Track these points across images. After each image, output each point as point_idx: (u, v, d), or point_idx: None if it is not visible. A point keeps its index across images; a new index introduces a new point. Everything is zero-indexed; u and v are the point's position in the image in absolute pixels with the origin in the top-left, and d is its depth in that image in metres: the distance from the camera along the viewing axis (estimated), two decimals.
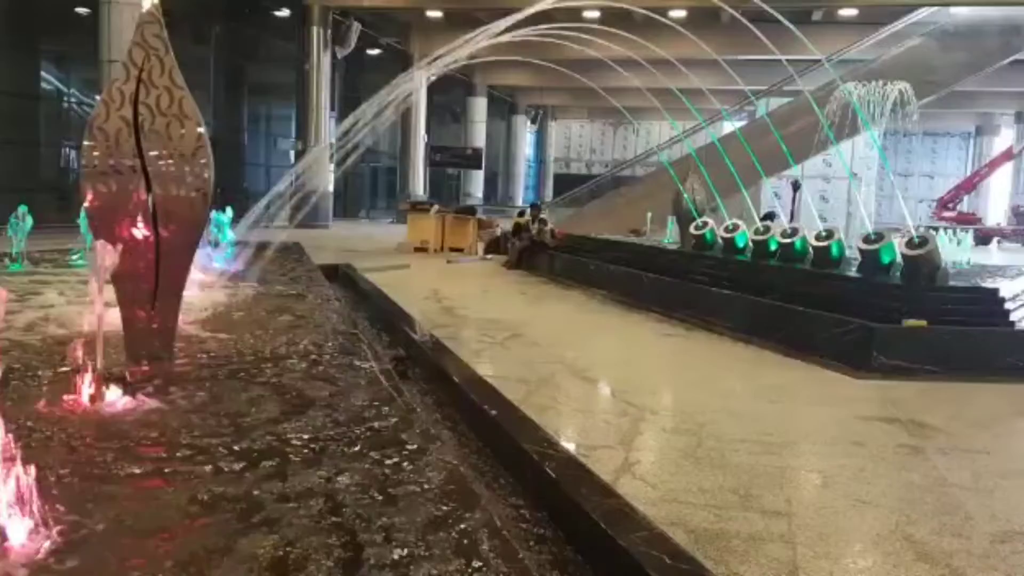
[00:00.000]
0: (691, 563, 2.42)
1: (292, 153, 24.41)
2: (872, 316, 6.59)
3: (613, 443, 4.39)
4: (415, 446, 2.90)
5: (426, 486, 2.52)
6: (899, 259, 7.44)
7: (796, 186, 15.47)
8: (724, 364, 6.74)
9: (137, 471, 2.57)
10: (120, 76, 3.63)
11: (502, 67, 27.70)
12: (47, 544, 2.02)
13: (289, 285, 7.40)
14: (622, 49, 12.33)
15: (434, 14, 23.72)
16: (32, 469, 2.09)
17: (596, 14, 16.93)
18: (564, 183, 38.16)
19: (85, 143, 3.61)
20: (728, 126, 23.52)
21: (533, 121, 42.42)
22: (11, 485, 2.05)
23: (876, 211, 20.49)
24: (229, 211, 9.81)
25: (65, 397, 3.16)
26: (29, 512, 2.06)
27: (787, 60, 12.56)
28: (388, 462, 2.73)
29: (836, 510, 3.56)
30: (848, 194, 17.25)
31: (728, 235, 9.45)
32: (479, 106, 32.98)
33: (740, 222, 9.68)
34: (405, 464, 2.72)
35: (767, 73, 22.04)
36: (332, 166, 20.38)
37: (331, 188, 22.18)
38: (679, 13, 18.22)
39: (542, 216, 14.17)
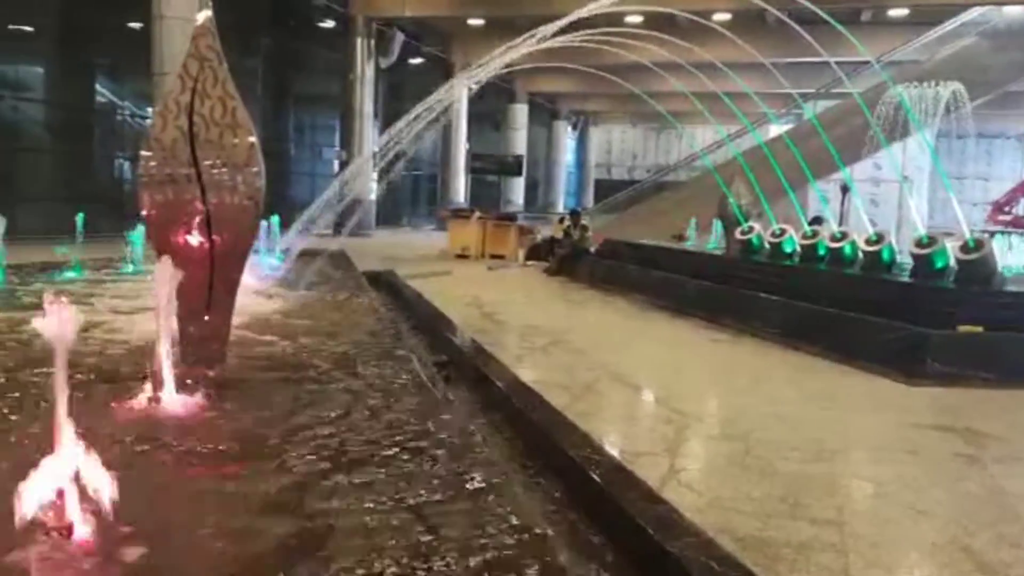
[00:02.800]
0: (739, 569, 2.39)
1: (336, 162, 24.73)
2: (925, 322, 6.44)
3: (658, 450, 4.36)
4: (459, 449, 2.92)
5: (473, 486, 2.54)
6: (953, 263, 7.27)
7: (845, 189, 15.20)
8: (772, 370, 6.64)
9: (196, 469, 2.64)
10: (176, 87, 3.73)
11: (543, 73, 27.72)
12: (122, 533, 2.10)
13: (335, 291, 7.51)
14: (666, 53, 12.27)
15: (475, 22, 23.84)
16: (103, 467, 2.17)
17: (639, 19, 16.86)
18: (605, 189, 38.01)
19: (143, 153, 3.72)
20: (774, 129, 23.23)
21: (574, 127, 42.35)
22: (87, 483, 2.13)
23: (928, 215, 20.05)
24: (276, 219, 9.99)
25: (128, 400, 3.26)
26: (103, 509, 2.16)
27: (835, 62, 12.37)
28: (434, 467, 2.76)
29: (889, 519, 3.48)
30: (899, 198, 16.92)
31: (776, 239, 9.33)
32: (520, 113, 33.04)
33: (787, 226, 9.55)
34: (451, 467, 2.74)
35: (814, 75, 21.70)
36: (375, 175, 20.59)
37: (374, 197, 22.40)
38: (724, 16, 18.05)
39: (583, 222, 14.15)
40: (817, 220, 11.51)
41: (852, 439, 4.76)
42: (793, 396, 5.74)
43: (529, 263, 15.37)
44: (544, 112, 38.11)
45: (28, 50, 18.32)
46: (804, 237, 8.99)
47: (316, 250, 9.92)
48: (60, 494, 2.09)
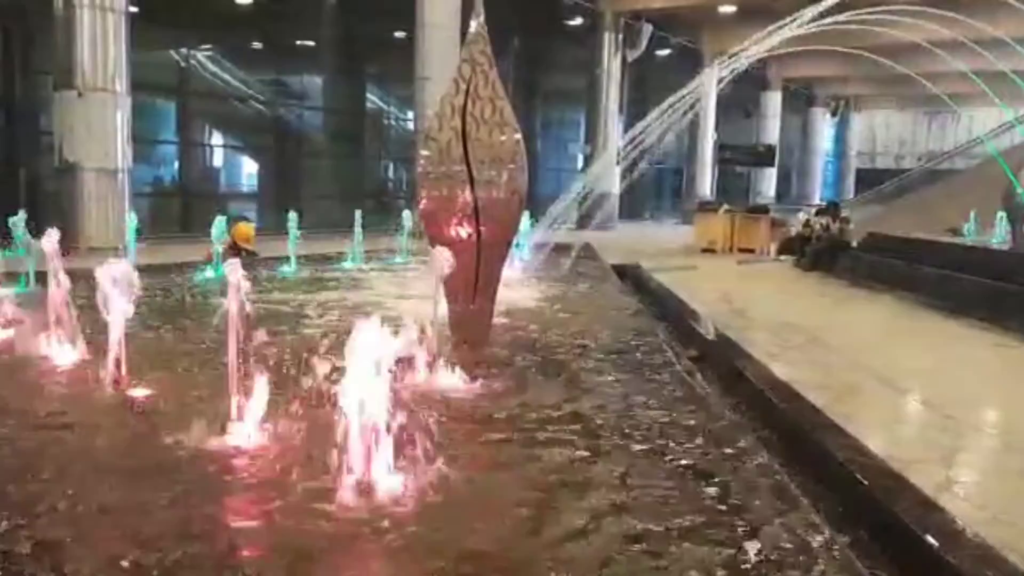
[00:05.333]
0: None
1: (580, 157, 25.16)
2: None
3: (931, 458, 4.03)
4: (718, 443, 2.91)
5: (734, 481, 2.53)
6: None
7: None
8: None
9: (471, 440, 2.88)
10: (451, 90, 4.04)
11: (799, 58, 26.26)
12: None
13: (583, 283, 7.70)
14: (943, 30, 11.17)
15: (727, 9, 23.14)
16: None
17: None
18: (868, 179, 35.25)
19: (422, 152, 4.07)
20: None
21: (833, 113, 39.67)
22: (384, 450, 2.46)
23: None
24: (526, 214, 10.43)
25: (407, 379, 3.62)
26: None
27: None
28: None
29: None
30: None
31: None
32: (773, 100, 31.57)
33: None
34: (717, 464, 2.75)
35: None
36: (619, 169, 20.71)
37: (617, 191, 22.54)
38: None
39: (843, 215, 13.30)
40: None
41: None
42: None
43: (782, 258, 14.70)
44: (799, 98, 36.09)
45: (310, 63, 20.51)
46: None
47: (563, 244, 10.22)
48: None
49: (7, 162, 13.77)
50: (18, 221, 6.89)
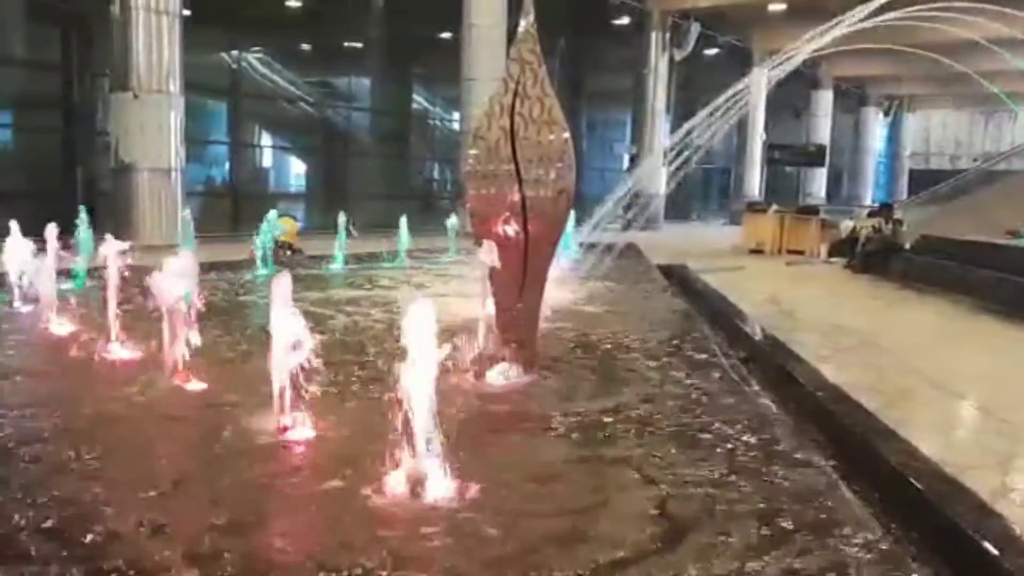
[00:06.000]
0: None
1: (626, 157, 25.02)
2: None
3: (986, 463, 3.93)
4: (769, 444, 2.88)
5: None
6: None
7: None
8: None
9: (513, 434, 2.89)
10: (500, 89, 4.06)
11: (851, 56, 25.72)
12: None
13: (629, 283, 7.67)
14: (1002, 27, 10.87)
15: (777, 7, 22.81)
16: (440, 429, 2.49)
17: None
18: (921, 180, 34.40)
19: (470, 151, 4.10)
20: None
21: (886, 113, 38.84)
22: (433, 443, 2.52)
23: None
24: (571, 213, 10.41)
25: (459, 375, 3.65)
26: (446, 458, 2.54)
27: None
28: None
29: None
30: None
31: None
32: (824, 99, 31.03)
33: None
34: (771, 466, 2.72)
35: None
36: (665, 169, 20.54)
37: (663, 191, 22.36)
38: None
39: (896, 216, 13.02)
40: None
41: None
42: None
43: (832, 259, 14.43)
44: (851, 98, 35.41)
45: (358, 64, 20.72)
46: None
47: (609, 243, 10.18)
48: None
49: (66, 162, 14.17)
50: (82, 220, 7.12)
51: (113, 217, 10.77)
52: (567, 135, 4.07)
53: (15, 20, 13.60)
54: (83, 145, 14.14)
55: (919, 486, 2.82)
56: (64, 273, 6.06)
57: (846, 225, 14.47)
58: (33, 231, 5.75)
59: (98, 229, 6.79)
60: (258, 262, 8.36)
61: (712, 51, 26.82)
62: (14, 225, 5.73)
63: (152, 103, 11.09)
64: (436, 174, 24.55)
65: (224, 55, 17.98)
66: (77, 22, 13.95)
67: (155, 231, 10.95)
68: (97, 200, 11.76)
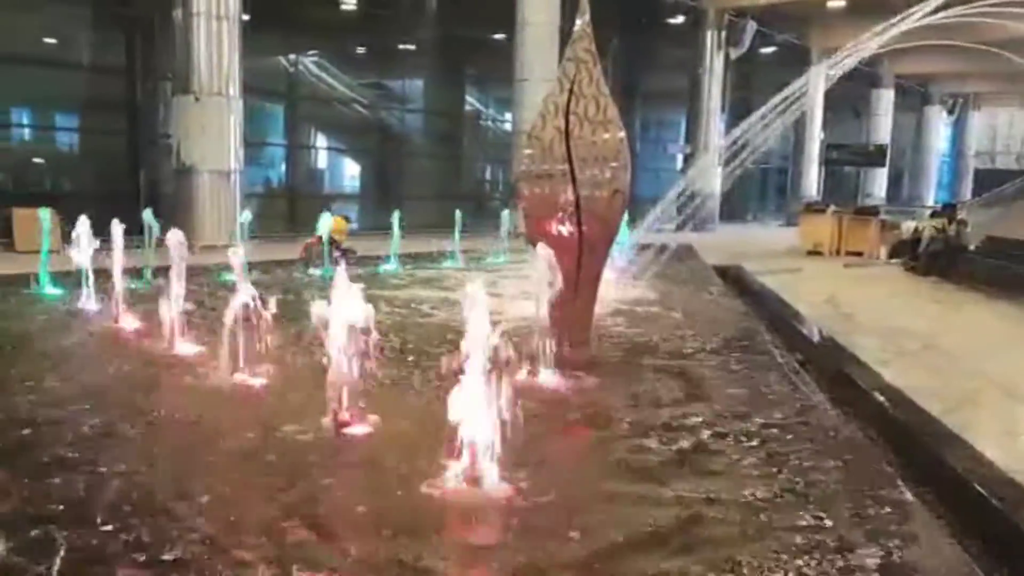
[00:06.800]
0: None
1: (680, 157, 24.75)
2: None
3: None
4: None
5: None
6: None
7: None
8: None
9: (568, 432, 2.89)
10: (555, 89, 4.05)
11: (914, 54, 25.00)
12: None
13: (685, 284, 7.59)
14: None
15: (836, 4, 22.34)
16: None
17: None
18: (987, 179, 33.29)
19: (524, 151, 4.10)
20: None
21: (950, 112, 37.71)
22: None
23: None
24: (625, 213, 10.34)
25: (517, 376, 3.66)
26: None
27: None
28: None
29: None
30: None
31: None
32: (884, 98, 30.25)
33: None
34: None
35: None
36: (719, 169, 20.28)
37: (718, 191, 22.07)
38: None
39: (960, 217, 12.63)
40: None
41: None
42: None
43: (893, 261, 14.07)
44: (913, 96, 34.45)
45: (411, 66, 20.89)
46: None
47: (663, 244, 10.10)
48: None
49: (129, 165, 14.59)
50: (150, 219, 7.33)
51: (174, 218, 11.04)
52: (622, 134, 4.04)
53: (82, 27, 14.07)
54: (146, 147, 14.54)
55: (984, 492, 2.73)
56: (132, 271, 6.22)
57: (908, 226, 14.07)
58: (98, 232, 5.91)
59: (160, 230, 6.97)
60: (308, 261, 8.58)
61: (768, 49, 26.38)
62: (116, 227, 5.58)
63: (212, 106, 11.35)
64: (488, 175, 24.63)
65: (281, 59, 18.32)
66: (140, 27, 14.34)
67: (213, 232, 11.19)
68: (159, 201, 12.08)
